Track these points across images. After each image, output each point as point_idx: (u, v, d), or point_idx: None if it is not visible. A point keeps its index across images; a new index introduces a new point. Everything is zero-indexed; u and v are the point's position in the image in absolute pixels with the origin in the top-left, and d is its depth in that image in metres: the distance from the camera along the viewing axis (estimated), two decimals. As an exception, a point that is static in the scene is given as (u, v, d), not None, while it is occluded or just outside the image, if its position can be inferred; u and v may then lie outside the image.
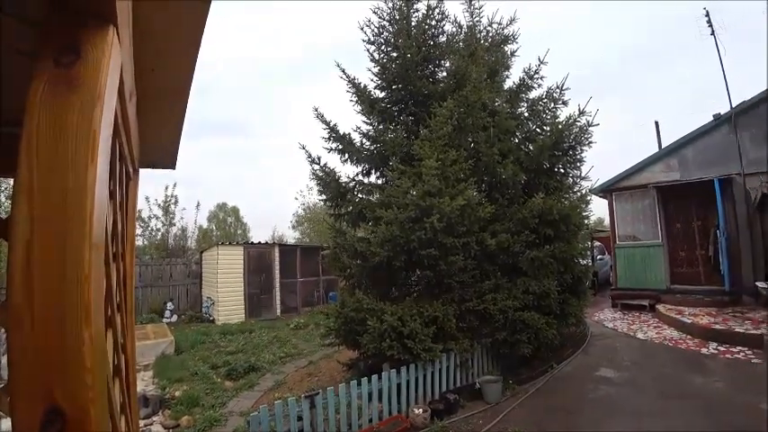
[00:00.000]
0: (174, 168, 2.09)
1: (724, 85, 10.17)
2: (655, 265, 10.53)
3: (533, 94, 7.21)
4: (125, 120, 1.01)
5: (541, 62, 6.93)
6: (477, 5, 7.48)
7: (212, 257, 13.09)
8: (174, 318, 12.92)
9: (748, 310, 8.31)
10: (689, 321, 7.80)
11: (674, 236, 10.54)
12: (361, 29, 6.77)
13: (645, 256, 10.73)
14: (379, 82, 6.86)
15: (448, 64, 6.87)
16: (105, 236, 0.71)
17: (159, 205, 18.53)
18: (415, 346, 4.89)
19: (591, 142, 6.67)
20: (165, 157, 1.96)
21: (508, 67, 7.45)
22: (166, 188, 18.73)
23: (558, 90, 6.83)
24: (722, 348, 6.49)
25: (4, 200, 10.98)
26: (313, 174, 6.72)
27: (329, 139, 6.75)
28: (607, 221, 12.71)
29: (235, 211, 30.14)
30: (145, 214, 18.21)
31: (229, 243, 13.86)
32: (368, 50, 6.85)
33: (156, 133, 1.64)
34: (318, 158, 6.67)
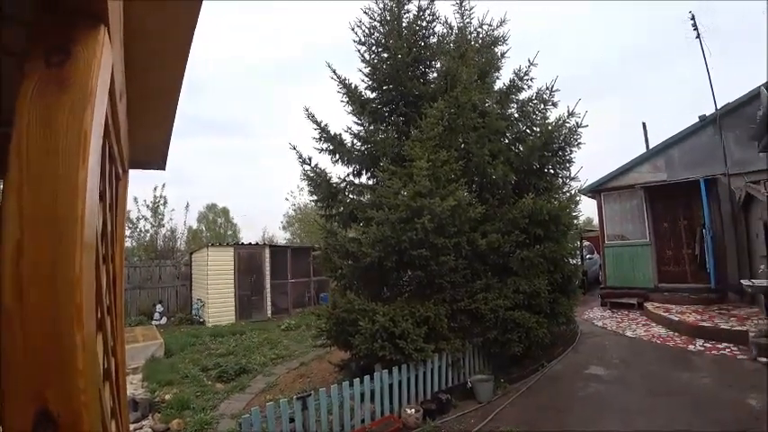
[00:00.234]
0: (163, 169, 2.07)
1: (710, 86, 10.36)
2: (643, 263, 10.67)
3: (523, 96, 7.27)
4: (115, 120, 1.00)
5: (531, 64, 6.99)
6: (467, 6, 7.51)
7: (202, 259, 12.97)
8: (164, 320, 12.79)
9: (733, 308, 8.47)
10: (676, 319, 7.92)
11: (662, 235, 10.69)
12: (352, 29, 6.77)
13: (633, 256, 10.88)
14: (370, 83, 6.87)
15: (439, 65, 6.90)
16: (96, 237, 0.70)
17: (148, 206, 18.33)
18: (407, 346, 4.89)
19: (580, 143, 6.75)
20: (155, 158, 1.94)
21: (498, 69, 7.49)
22: (155, 189, 18.54)
23: (547, 91, 6.89)
24: (709, 345, 6.59)
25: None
26: (304, 174, 6.70)
27: (320, 139, 6.74)
28: (596, 221, 12.86)
29: (225, 211, 29.93)
30: (133, 215, 18.00)
31: (219, 244, 13.75)
32: (359, 51, 6.86)
33: (146, 133, 1.63)
34: (309, 159, 6.66)
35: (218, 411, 5.44)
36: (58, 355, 0.53)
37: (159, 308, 13.10)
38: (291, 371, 7.18)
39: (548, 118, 6.97)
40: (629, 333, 7.96)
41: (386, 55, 6.68)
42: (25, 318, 0.52)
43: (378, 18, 6.74)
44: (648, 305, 9.50)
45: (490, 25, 7.54)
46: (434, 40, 6.98)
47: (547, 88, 6.89)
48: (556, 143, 6.64)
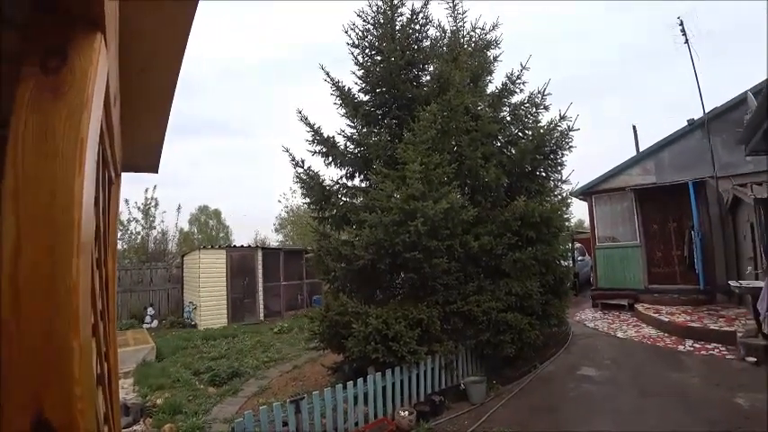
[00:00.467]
0: (156, 172, 2.05)
1: (698, 90, 10.52)
2: (633, 265, 10.79)
3: (515, 99, 7.32)
4: (109, 124, 1.00)
5: (523, 68, 7.04)
6: (460, 10, 7.56)
7: (194, 261, 12.88)
8: (155, 323, 12.68)
9: (722, 308, 8.58)
10: (666, 320, 8.01)
11: (652, 237, 10.81)
12: (346, 32, 6.78)
13: (624, 257, 10.99)
14: (364, 85, 6.88)
15: (432, 68, 6.93)
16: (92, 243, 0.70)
17: (139, 208, 18.13)
18: (400, 348, 4.90)
19: (571, 146, 6.81)
20: (148, 161, 1.93)
21: (491, 72, 7.54)
22: (146, 191, 18.36)
23: (539, 95, 6.94)
24: (698, 345, 6.67)
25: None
26: (297, 177, 6.68)
27: (313, 141, 6.74)
28: (587, 223, 12.96)
29: (217, 213, 29.76)
30: (124, 217, 17.78)
31: (211, 246, 13.67)
32: (352, 54, 6.88)
33: (139, 136, 1.62)
34: (302, 161, 6.64)
35: (210, 415, 5.40)
36: (54, 362, 0.53)
37: (150, 311, 12.99)
38: (284, 374, 7.15)
39: (540, 121, 7.03)
40: (620, 334, 8.03)
41: (379, 58, 6.71)
42: (22, 324, 0.52)
43: (371, 21, 6.77)
44: (639, 306, 9.60)
45: (483, 29, 7.60)
46: (427, 43, 7.03)
47: (539, 92, 6.95)
48: (547, 146, 6.70)
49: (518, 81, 7.14)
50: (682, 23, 11.32)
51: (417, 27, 6.78)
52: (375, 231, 5.25)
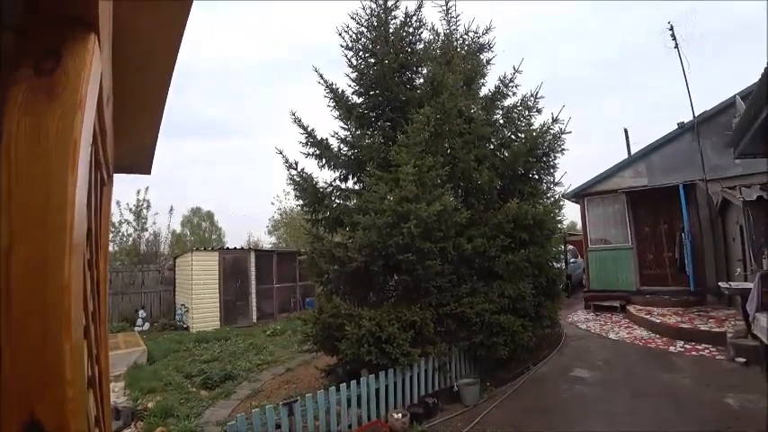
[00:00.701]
0: (149, 173, 2.04)
1: (688, 94, 10.65)
2: (625, 267, 10.88)
3: (508, 102, 7.38)
4: (102, 125, 1.00)
5: (516, 71, 7.09)
6: (454, 14, 7.61)
7: (186, 263, 12.79)
8: (147, 326, 12.56)
9: (712, 309, 8.68)
10: (658, 321, 8.08)
11: (643, 239, 10.92)
12: (339, 34, 6.79)
13: (616, 259, 11.08)
14: (357, 88, 6.89)
15: (425, 71, 6.95)
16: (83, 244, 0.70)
17: (131, 210, 17.98)
18: (394, 350, 4.90)
19: (564, 149, 6.88)
20: (141, 162, 1.92)
21: (484, 75, 7.59)
22: (138, 192, 18.21)
23: (532, 98, 7.01)
24: (688, 346, 6.74)
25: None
26: (290, 179, 6.67)
27: (307, 144, 6.73)
28: (580, 225, 13.06)
29: (209, 215, 29.61)
30: (115, 219, 17.62)
31: (204, 248, 13.60)
32: (346, 56, 6.88)
33: (132, 136, 1.61)
34: (296, 163, 6.63)
35: (202, 419, 5.36)
36: (46, 364, 0.53)
37: (142, 313, 12.87)
38: (277, 377, 7.11)
39: (532, 124, 7.09)
40: (612, 335, 8.09)
41: (373, 60, 6.72)
42: (14, 325, 0.52)
43: (365, 24, 6.78)
44: (631, 308, 9.68)
45: (476, 32, 7.65)
46: (421, 46, 7.05)
47: (531, 95, 7.01)
48: (540, 149, 6.75)
49: (511, 84, 7.19)
50: (672, 28, 11.46)
51: (411, 30, 6.80)
52: (368, 233, 5.25)
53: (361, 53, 6.85)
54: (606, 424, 4.45)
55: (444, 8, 7.58)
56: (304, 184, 6.62)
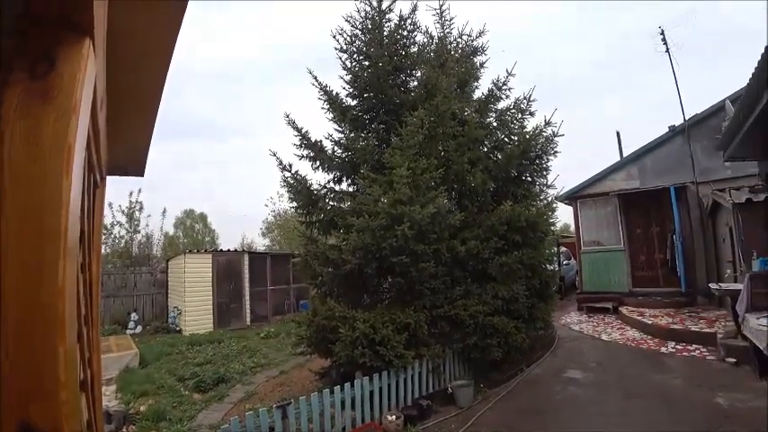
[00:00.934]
0: (142, 176, 2.03)
1: (678, 98, 10.78)
2: (617, 269, 10.97)
3: (501, 105, 7.42)
4: (95, 128, 1.00)
5: (509, 74, 7.14)
6: (447, 17, 7.65)
7: (179, 266, 12.71)
8: (139, 329, 12.45)
9: (703, 310, 8.78)
10: (649, 322, 8.15)
11: (635, 241, 11.02)
12: (334, 37, 6.80)
13: (608, 261, 11.17)
14: (351, 90, 6.91)
15: (419, 74, 6.98)
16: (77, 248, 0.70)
17: (123, 211, 17.85)
18: (388, 352, 4.90)
19: (556, 152, 6.92)
20: (134, 164, 1.91)
21: (477, 78, 7.63)
22: (131, 194, 18.08)
23: (525, 101, 7.05)
24: (680, 347, 6.81)
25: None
26: (284, 181, 6.65)
27: (301, 146, 6.72)
28: (573, 228, 13.14)
29: (203, 217, 29.43)
30: (107, 221, 17.47)
31: (197, 251, 13.51)
32: (340, 59, 6.90)
33: (125, 138, 1.60)
34: (290, 165, 6.62)
35: (195, 422, 5.33)
36: (40, 367, 0.53)
37: (134, 316, 12.76)
38: (271, 379, 7.08)
39: (525, 127, 7.13)
40: (604, 337, 8.15)
41: (367, 63, 6.74)
42: (9, 327, 0.52)
43: (359, 26, 6.80)
44: (623, 309, 9.75)
45: (470, 36, 7.70)
46: (415, 49, 7.08)
47: (524, 98, 7.06)
48: (533, 151, 6.80)
49: (504, 87, 7.24)
50: (663, 33, 11.60)
51: (405, 33, 6.83)
52: (362, 236, 5.25)
53: (355, 56, 6.86)
54: (599, 425, 4.48)
55: (438, 11, 7.62)
56: (298, 187, 6.61)
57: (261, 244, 25.22)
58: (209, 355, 8.64)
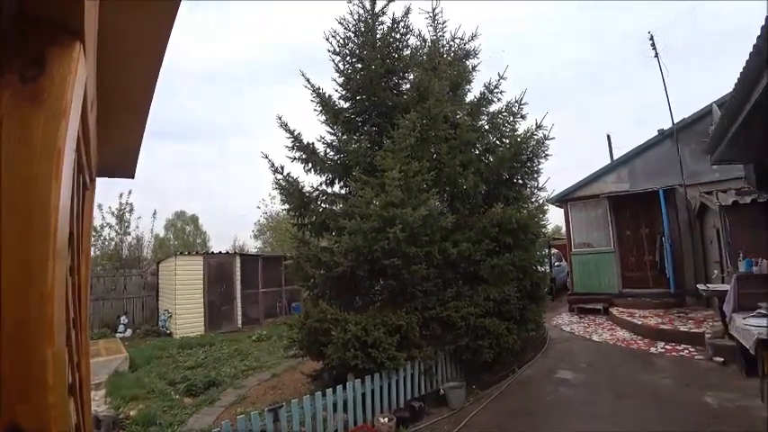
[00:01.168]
0: (132, 177, 2.02)
1: (667, 102, 10.94)
2: (608, 270, 11.09)
3: (493, 108, 7.46)
4: (85, 129, 0.99)
5: (501, 77, 7.19)
6: (440, 20, 7.69)
7: (170, 268, 12.59)
8: (129, 332, 12.31)
9: (691, 311, 8.91)
10: (639, 323, 8.24)
11: (625, 242, 11.14)
12: (327, 39, 6.81)
13: (598, 262, 11.28)
14: (344, 92, 6.91)
15: (411, 76, 7.01)
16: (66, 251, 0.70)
17: (113, 213, 17.65)
18: (380, 355, 4.90)
19: (547, 155, 6.97)
20: (124, 166, 1.90)
21: (470, 81, 7.68)
22: (121, 195, 17.90)
23: (516, 104, 7.10)
24: (669, 347, 6.89)
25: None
26: (276, 183, 6.64)
27: (293, 148, 6.71)
28: (564, 230, 13.25)
29: (194, 219, 29.22)
30: (97, 222, 17.26)
31: (188, 253, 13.39)
32: (333, 61, 6.90)
33: (115, 139, 1.59)
34: (282, 168, 6.60)
35: (186, 426, 5.27)
36: (29, 370, 0.53)
37: (124, 320, 12.61)
38: (263, 382, 7.04)
39: (517, 130, 7.18)
40: (595, 337, 8.22)
41: (360, 65, 6.75)
42: (-3, 332, 0.52)
43: (352, 29, 6.82)
44: (613, 310, 9.85)
45: (462, 39, 7.75)
46: (408, 52, 7.12)
47: (516, 101, 7.11)
48: (524, 154, 6.85)
49: (496, 90, 7.29)
50: (652, 38, 11.76)
51: (398, 36, 6.86)
52: (354, 238, 5.25)
53: (348, 58, 6.88)
54: (590, 425, 4.51)
55: (431, 15, 7.67)
56: (290, 189, 6.59)
57: (253, 246, 25.12)
58: (200, 359, 8.56)
